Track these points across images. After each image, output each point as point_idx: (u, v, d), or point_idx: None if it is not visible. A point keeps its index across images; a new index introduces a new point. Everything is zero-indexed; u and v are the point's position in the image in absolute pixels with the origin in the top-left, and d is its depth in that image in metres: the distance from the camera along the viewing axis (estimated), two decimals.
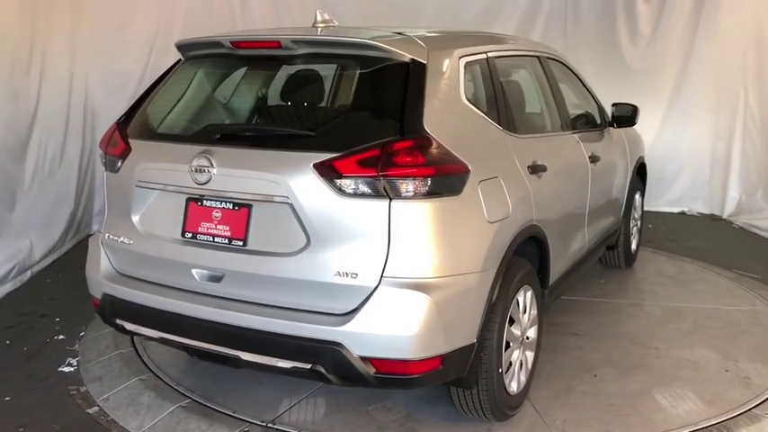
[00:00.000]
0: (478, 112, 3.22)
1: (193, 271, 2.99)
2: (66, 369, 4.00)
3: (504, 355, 3.17)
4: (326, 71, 3.41)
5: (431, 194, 2.70)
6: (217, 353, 2.99)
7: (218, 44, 3.25)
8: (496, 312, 3.03)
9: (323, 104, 3.39)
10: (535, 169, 3.44)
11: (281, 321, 2.78)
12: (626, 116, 4.85)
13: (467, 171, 2.84)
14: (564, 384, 3.74)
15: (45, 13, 5.66)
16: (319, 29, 3.32)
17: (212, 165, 2.90)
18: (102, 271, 3.29)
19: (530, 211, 3.30)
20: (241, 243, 2.90)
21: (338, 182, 2.69)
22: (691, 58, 7.58)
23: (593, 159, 4.33)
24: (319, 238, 2.75)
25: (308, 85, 3.36)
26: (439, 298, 2.69)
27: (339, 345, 2.68)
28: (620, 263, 5.60)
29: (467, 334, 2.88)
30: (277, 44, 3.08)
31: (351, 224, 2.71)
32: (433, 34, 3.55)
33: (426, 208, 2.70)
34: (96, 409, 3.57)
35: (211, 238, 2.96)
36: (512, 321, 3.24)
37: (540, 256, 3.58)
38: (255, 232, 2.88)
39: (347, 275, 2.70)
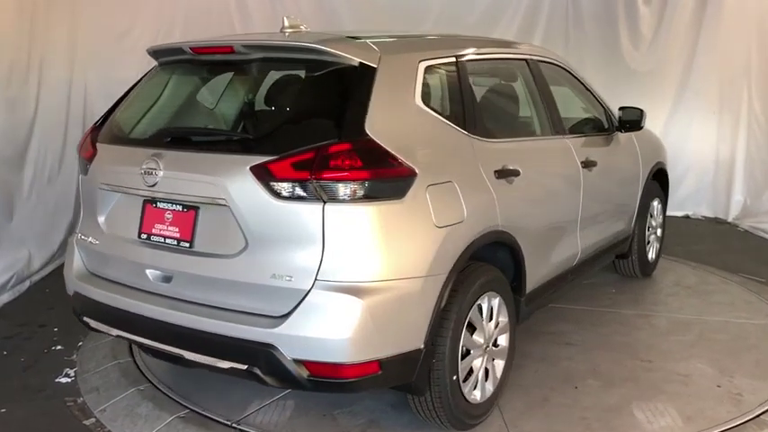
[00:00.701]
0: (437, 116, 3.19)
1: (147, 271, 3.08)
2: (64, 380, 3.94)
3: (463, 363, 3.13)
4: (277, 75, 3.40)
5: (367, 198, 2.70)
6: (165, 351, 3.07)
7: (181, 50, 3.32)
8: (449, 318, 3.00)
9: (268, 108, 3.38)
10: (504, 174, 3.38)
11: (220, 322, 2.83)
12: (633, 120, 4.74)
13: (412, 175, 2.82)
14: (541, 395, 3.64)
15: (43, 20, 5.62)
16: (286, 33, 3.33)
17: (159, 167, 2.98)
18: (74, 270, 3.43)
19: (493, 217, 3.26)
20: (188, 245, 2.98)
21: (274, 185, 2.71)
22: (694, 61, 7.54)
23: (588, 164, 4.21)
24: (256, 241, 2.79)
25: (257, 89, 3.41)
26: (374, 302, 2.69)
27: (272, 347, 2.71)
28: (636, 272, 5.43)
29: (411, 339, 2.86)
30: (230, 49, 3.16)
31: (286, 227, 2.73)
32: (395, 39, 3.54)
33: (361, 212, 2.70)
34: (93, 420, 3.51)
35: (163, 240, 3.05)
36: (474, 328, 3.20)
37: (513, 263, 3.54)
38: (201, 234, 2.96)
39: (282, 278, 2.72)
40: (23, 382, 3.92)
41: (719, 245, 6.81)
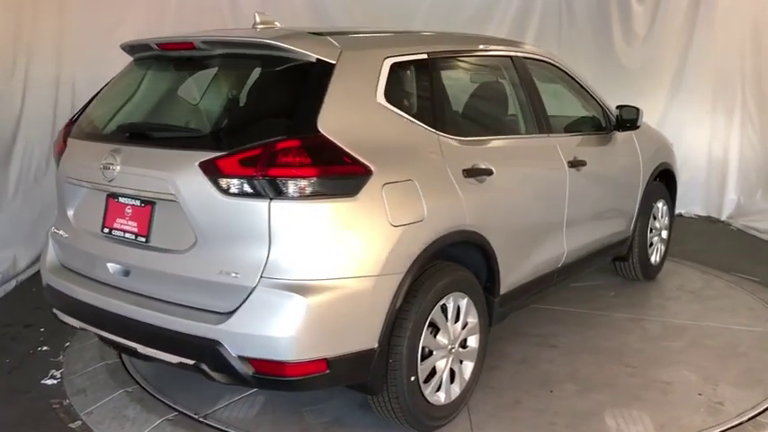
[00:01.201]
0: (401, 113, 3.13)
1: (108, 265, 3.13)
2: (49, 381, 3.86)
3: (425, 363, 3.09)
4: (235, 71, 3.37)
5: (315, 196, 2.68)
6: (121, 344, 3.12)
7: (149, 46, 3.34)
8: (408, 318, 2.96)
9: (223, 104, 3.33)
10: (474, 173, 3.32)
11: (171, 317, 2.84)
12: (630, 119, 4.65)
13: (367, 173, 2.79)
14: (513, 398, 3.58)
15: (31, 16, 5.54)
16: (257, 29, 3.27)
17: (116, 163, 3.01)
18: (47, 262, 3.49)
19: (459, 217, 3.20)
20: (144, 239, 3.01)
21: (221, 181, 2.69)
22: (687, 60, 7.53)
23: (576, 164, 4.11)
24: (205, 237, 2.79)
25: (215, 85, 3.39)
26: (320, 300, 2.67)
27: (218, 343, 2.71)
28: (637, 275, 5.30)
29: (363, 338, 2.83)
30: (191, 45, 3.14)
31: (234, 223, 2.72)
32: (363, 35, 3.51)
33: (308, 209, 2.68)
34: (79, 423, 3.43)
35: (123, 234, 3.08)
36: (438, 329, 3.16)
37: (486, 264, 3.48)
38: (157, 229, 2.98)
39: (229, 275, 2.72)
40: (8, 384, 3.84)
41: (712, 243, 6.80)
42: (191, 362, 2.82)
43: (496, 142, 3.69)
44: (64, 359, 4.11)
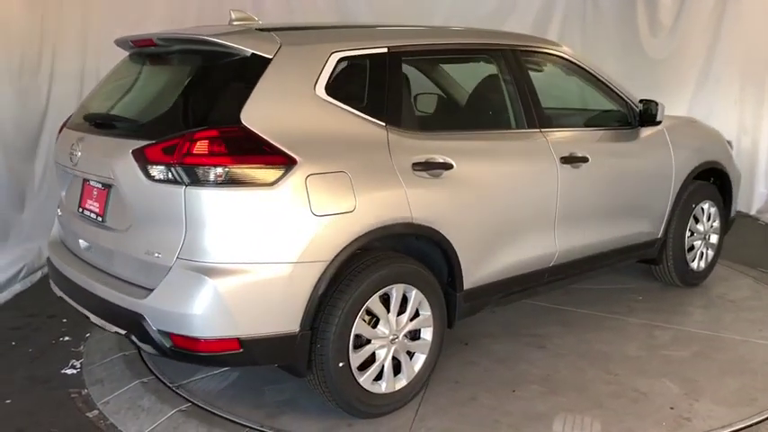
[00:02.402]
0: (343, 106, 3.18)
1: (80, 241, 3.46)
2: (69, 371, 3.95)
3: (360, 351, 3.17)
4: (185, 65, 3.46)
5: (230, 183, 2.81)
6: (80, 312, 3.39)
7: (128, 43, 3.58)
8: (337, 306, 3.05)
9: (166, 96, 3.39)
10: (428, 167, 3.32)
11: (111, 290, 3.11)
12: (649, 114, 4.47)
13: (291, 163, 2.88)
14: (471, 394, 3.57)
15: (55, 10, 5.61)
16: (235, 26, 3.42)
17: (78, 149, 3.34)
18: (50, 239, 3.88)
19: (401, 210, 3.20)
20: (101, 219, 3.29)
21: (148, 167, 2.89)
22: (715, 50, 7.38)
23: (572, 160, 3.98)
24: (138, 218, 3.03)
25: (166, 78, 3.53)
26: (229, 283, 2.82)
27: (142, 317, 2.92)
28: (674, 280, 5.05)
29: (281, 322, 2.95)
30: (152, 42, 3.39)
31: (157, 207, 2.93)
32: (318, 31, 3.55)
33: (221, 196, 2.82)
34: (96, 412, 3.51)
35: (90, 213, 3.37)
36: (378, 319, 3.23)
37: (445, 259, 3.48)
38: (110, 210, 3.23)
39: (153, 254, 2.94)
40: (30, 373, 3.94)
41: (740, 238, 6.59)
42: (123, 332, 3.09)
43: (461, 136, 3.64)
44: (84, 349, 4.21)
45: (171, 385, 3.44)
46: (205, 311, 2.81)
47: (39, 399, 3.65)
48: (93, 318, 3.27)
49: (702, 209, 5.04)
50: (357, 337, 3.15)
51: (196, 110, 3.08)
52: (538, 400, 3.53)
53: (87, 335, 4.37)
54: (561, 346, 4.17)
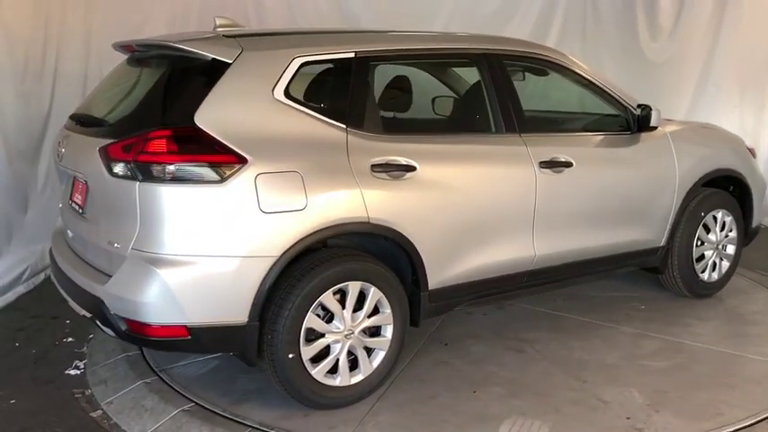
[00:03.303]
0: (302, 109, 3.29)
1: (68, 231, 3.74)
2: (73, 372, 3.99)
3: (312, 345, 3.27)
4: (157, 69, 3.58)
5: (179, 180, 2.97)
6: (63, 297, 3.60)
7: (120, 47, 3.84)
8: (288, 299, 3.16)
9: (134, 98, 3.56)
10: (388, 168, 3.39)
11: (81, 276, 3.34)
12: (644, 118, 4.41)
13: (241, 162, 3.02)
14: (431, 392, 3.61)
15: (59, 14, 5.63)
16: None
17: (63, 146, 3.64)
18: (54, 230, 4.12)
19: (358, 209, 3.29)
20: (82, 211, 3.49)
21: (110, 164, 3.10)
22: (715, 54, 7.40)
23: (554, 165, 3.96)
24: (102, 211, 3.28)
25: (140, 81, 3.64)
26: (175, 273, 2.98)
27: (102, 301, 3.12)
28: (682, 290, 4.93)
29: (228, 313, 3.09)
30: (132, 48, 3.72)
31: (117, 201, 3.13)
32: (285, 36, 3.64)
33: (171, 192, 2.98)
34: (100, 412, 3.55)
35: (75, 206, 3.58)
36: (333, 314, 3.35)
37: (408, 259, 3.54)
38: (88, 203, 3.43)
39: (113, 244, 3.14)
40: (33, 373, 3.97)
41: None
42: (89, 315, 3.31)
43: (427, 140, 3.70)
44: (87, 350, 4.24)
45: (156, 369, 3.55)
46: (154, 299, 2.98)
47: (43, 399, 3.68)
48: (71, 302, 3.49)
49: (715, 218, 4.91)
50: (309, 330, 3.26)
51: (157, 111, 3.24)
52: (495, 402, 3.54)
53: (90, 336, 4.40)
54: (541, 351, 4.15)
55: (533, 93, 4.93)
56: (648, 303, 4.94)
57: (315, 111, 3.34)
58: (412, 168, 3.46)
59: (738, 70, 7.32)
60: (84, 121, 3.64)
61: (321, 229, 3.20)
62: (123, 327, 3.11)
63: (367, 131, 3.43)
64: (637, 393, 3.64)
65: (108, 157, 3.11)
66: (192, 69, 3.28)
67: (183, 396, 3.56)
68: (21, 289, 5.20)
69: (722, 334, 4.53)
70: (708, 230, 4.89)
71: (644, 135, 4.50)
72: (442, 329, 4.41)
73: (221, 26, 3.65)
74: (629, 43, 7.60)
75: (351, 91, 3.48)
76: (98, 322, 3.25)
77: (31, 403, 3.64)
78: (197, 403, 3.49)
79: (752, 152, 5.28)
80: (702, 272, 4.93)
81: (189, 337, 3.06)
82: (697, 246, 4.84)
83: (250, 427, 3.30)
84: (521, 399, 3.56)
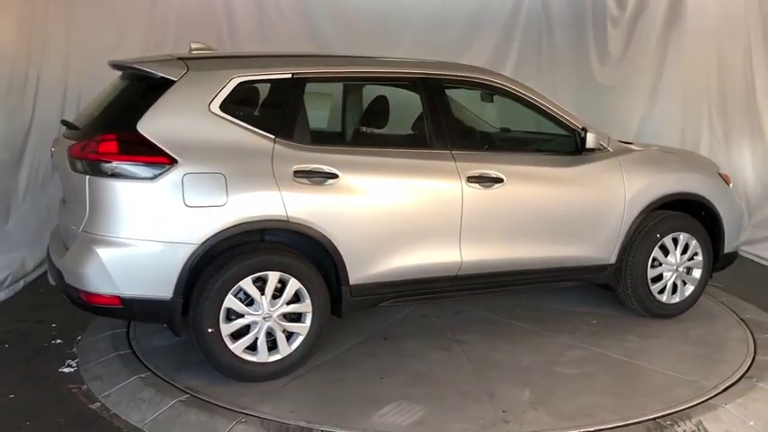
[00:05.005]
0: (235, 121, 3.81)
1: (60, 221, 4.28)
2: (66, 370, 4.17)
3: (232, 323, 3.77)
4: (125, 84, 4.14)
5: (118, 176, 3.56)
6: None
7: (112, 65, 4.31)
8: (210, 282, 3.68)
9: (104, 108, 4.03)
10: (310, 174, 3.85)
11: (53, 253, 4.07)
12: (582, 140, 4.60)
13: (171, 163, 3.59)
14: (343, 377, 4.01)
15: (41, 36, 5.84)
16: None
17: (53, 147, 4.24)
18: (53, 228, 4.52)
19: (277, 208, 3.77)
20: (64, 202, 4.17)
21: (72, 161, 3.72)
22: (661, 80, 7.87)
23: (482, 180, 4.25)
24: (70, 200, 3.95)
25: (112, 95, 4.12)
26: (110, 252, 3.58)
27: (60, 272, 3.78)
28: (637, 309, 4.99)
29: (155, 289, 3.66)
30: (113, 66, 4.22)
31: (76, 191, 3.75)
32: (232, 59, 4.23)
33: (112, 185, 3.57)
34: (98, 404, 3.75)
35: (63, 199, 4.22)
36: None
37: (328, 255, 3.96)
38: (65, 194, 4.17)
39: (72, 227, 3.78)
40: (28, 371, 4.14)
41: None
42: (55, 284, 3.94)
43: (353, 151, 4.13)
44: (78, 351, 4.41)
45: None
46: (92, 272, 3.59)
47: (41, 394, 3.87)
48: (49, 276, 4.17)
49: (676, 240, 4.94)
50: (229, 310, 3.75)
51: (112, 119, 3.84)
52: (393, 388, 3.88)
53: (79, 338, 4.58)
54: (466, 351, 4.38)
55: (501, 113, 5.33)
56: (604, 319, 5.00)
57: (247, 123, 3.85)
58: (334, 176, 3.90)
59: (680, 95, 7.83)
60: (68, 126, 4.21)
61: (240, 224, 3.71)
62: (74, 295, 3.69)
63: (295, 142, 3.90)
64: (528, 393, 3.85)
65: (71, 156, 3.73)
66: (146, 86, 3.89)
67: (178, 388, 3.79)
68: (2, 296, 5.32)
69: (653, 351, 4.54)
70: (666, 252, 4.92)
71: (592, 156, 4.67)
72: (392, 327, 4.77)
73: (196, 49, 4.22)
74: (582, 69, 8.10)
75: (284, 107, 3.99)
76: (63, 293, 3.84)
77: (31, 397, 3.82)
78: (192, 394, 3.72)
79: (725, 179, 5.28)
80: (660, 292, 4.96)
81: (122, 306, 3.64)
82: (653, 266, 4.90)
83: (243, 414, 3.54)
84: (416, 387, 3.89)
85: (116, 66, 4.20)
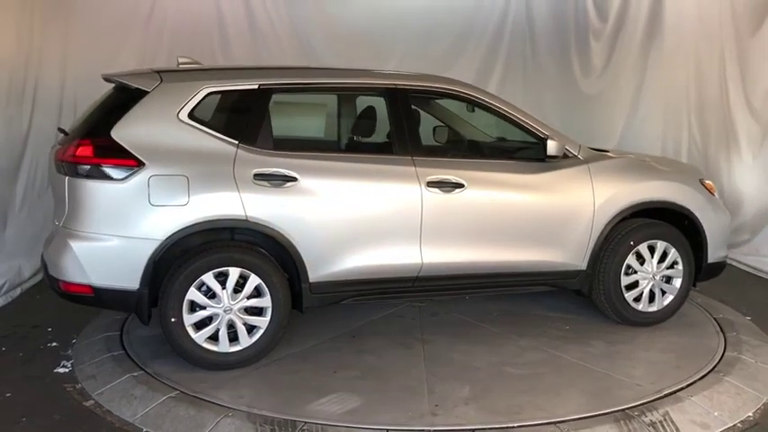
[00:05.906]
0: (201, 128, 4.11)
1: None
2: (61, 370, 4.32)
3: (195, 314, 4.06)
4: (111, 94, 4.42)
5: (91, 177, 3.91)
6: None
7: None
8: (174, 275, 4.02)
9: (90, 116, 4.32)
10: (269, 178, 4.11)
11: (43, 248, 4.38)
12: (542, 148, 4.65)
13: (139, 165, 3.91)
14: (299, 369, 4.20)
15: (38, 47, 6.02)
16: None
17: (52, 151, 4.41)
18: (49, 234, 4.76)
19: (236, 209, 4.05)
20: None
21: (57, 164, 4.08)
22: (641, 91, 8.04)
23: (442, 185, 4.39)
24: (55, 198, 4.25)
25: (97, 105, 4.40)
26: (83, 245, 3.94)
27: (45, 263, 4.19)
28: (611, 316, 4.99)
29: (123, 280, 3.99)
30: (105, 79, 4.48)
31: (58, 190, 4.10)
32: (204, 72, 4.43)
33: (86, 185, 3.93)
34: (92, 402, 3.91)
35: None
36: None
37: (287, 253, 4.20)
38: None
39: (57, 223, 4.11)
40: (24, 372, 4.30)
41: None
42: (43, 275, 4.30)
43: (312, 156, 4.31)
44: (72, 353, 4.57)
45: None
46: (67, 263, 3.95)
47: (36, 392, 4.03)
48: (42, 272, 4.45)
49: (652, 248, 4.91)
50: (192, 302, 4.05)
51: (91, 125, 4.12)
52: (342, 380, 4.07)
53: (73, 341, 4.74)
54: (428, 350, 4.49)
55: (480, 123, 5.52)
56: (577, 326, 4.98)
57: (213, 129, 4.15)
58: (293, 179, 4.14)
59: (661, 106, 8.03)
60: (62, 132, 4.50)
61: (200, 222, 4.01)
62: (55, 284, 4.06)
63: (257, 147, 4.17)
64: (468, 390, 3.95)
65: (56, 158, 4.10)
66: (125, 96, 4.17)
67: (169, 386, 3.94)
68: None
69: (613, 357, 4.48)
70: (642, 260, 4.90)
71: (560, 163, 4.73)
72: (366, 326, 4.94)
73: (182, 63, 4.53)
74: (566, 80, 8.29)
75: (249, 115, 4.26)
76: (48, 282, 4.19)
77: (26, 396, 3.98)
78: (182, 391, 3.88)
79: (709, 188, 5.24)
80: (636, 300, 4.93)
81: (93, 295, 3.99)
82: (627, 274, 4.88)
83: (231, 409, 3.68)
84: (365, 381, 4.07)
85: (105, 78, 4.48)
